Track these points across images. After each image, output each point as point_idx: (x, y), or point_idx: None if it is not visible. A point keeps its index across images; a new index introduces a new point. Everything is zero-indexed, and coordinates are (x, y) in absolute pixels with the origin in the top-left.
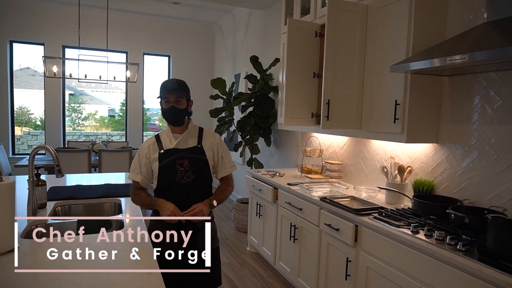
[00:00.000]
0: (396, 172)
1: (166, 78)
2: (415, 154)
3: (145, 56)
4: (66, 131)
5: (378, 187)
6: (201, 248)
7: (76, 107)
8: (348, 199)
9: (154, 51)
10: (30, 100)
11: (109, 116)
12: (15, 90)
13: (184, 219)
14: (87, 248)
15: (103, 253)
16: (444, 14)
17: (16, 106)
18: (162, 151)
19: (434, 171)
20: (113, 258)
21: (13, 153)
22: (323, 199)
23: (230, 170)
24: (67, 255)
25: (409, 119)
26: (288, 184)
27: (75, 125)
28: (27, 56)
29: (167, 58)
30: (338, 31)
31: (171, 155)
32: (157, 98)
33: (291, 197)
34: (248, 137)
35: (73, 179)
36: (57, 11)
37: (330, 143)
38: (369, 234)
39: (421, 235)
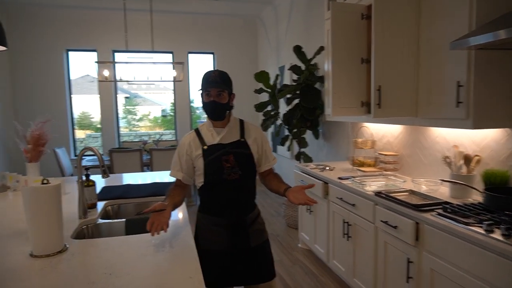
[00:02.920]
0: (462, 162)
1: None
2: (483, 142)
3: (189, 55)
4: (122, 132)
5: (441, 180)
6: (253, 243)
7: (131, 109)
8: (406, 193)
9: (198, 49)
10: (90, 105)
11: (161, 116)
12: (77, 96)
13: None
14: (131, 250)
15: (146, 255)
16: None
17: (79, 111)
18: (206, 147)
19: (509, 160)
20: (155, 260)
21: (75, 155)
22: (378, 193)
23: (273, 163)
24: (111, 257)
25: (475, 102)
26: (339, 178)
27: (130, 126)
28: (86, 64)
29: (211, 55)
30: (387, 9)
31: (216, 151)
32: (199, 90)
33: (343, 192)
34: (295, 130)
35: (125, 179)
36: (105, 18)
37: (383, 133)
38: (432, 233)
39: (497, 235)
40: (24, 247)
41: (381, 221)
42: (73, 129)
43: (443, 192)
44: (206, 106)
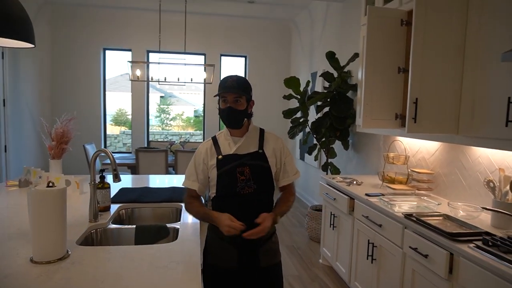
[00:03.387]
0: (508, 188)
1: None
2: None
3: (222, 57)
4: (152, 131)
5: (482, 207)
6: (263, 263)
7: (165, 108)
8: (440, 217)
9: (230, 52)
10: (127, 102)
11: (194, 117)
12: (115, 93)
13: (251, 235)
14: (134, 262)
15: (148, 269)
16: None
17: (116, 108)
18: (221, 156)
19: None
20: (156, 276)
21: None
22: (408, 216)
23: (293, 178)
24: (111, 269)
25: None
26: (367, 194)
27: (163, 125)
28: (126, 63)
29: (243, 58)
30: (430, 15)
31: (231, 162)
32: (214, 96)
33: (370, 210)
34: (323, 139)
35: (145, 180)
36: (141, 18)
37: (418, 148)
38: (469, 268)
39: None
40: (28, 250)
41: (410, 247)
42: (104, 125)
43: (484, 219)
44: (222, 113)
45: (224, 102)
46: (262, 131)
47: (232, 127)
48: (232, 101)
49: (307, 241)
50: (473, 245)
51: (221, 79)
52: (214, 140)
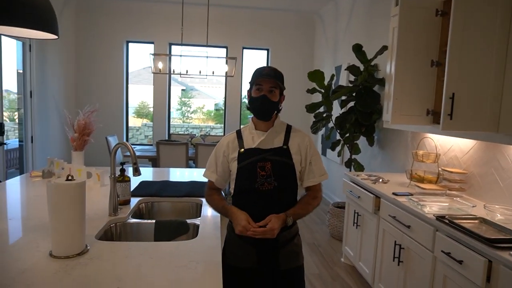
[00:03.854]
0: None
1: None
2: None
3: (244, 50)
4: (173, 123)
5: None
6: (283, 266)
7: (186, 101)
8: (476, 221)
9: (253, 45)
10: (149, 95)
11: (215, 110)
12: (138, 86)
13: (254, 234)
14: (152, 260)
15: (166, 268)
16: None
17: (139, 100)
18: (242, 150)
19: None
20: (176, 275)
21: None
22: (440, 218)
23: (320, 180)
24: (129, 266)
25: None
26: (394, 193)
27: (184, 118)
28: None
29: (265, 51)
30: (470, 4)
31: (252, 156)
32: (250, 83)
33: (397, 210)
34: (347, 135)
35: (166, 174)
36: (164, 11)
37: (450, 146)
38: (510, 277)
39: None
40: (48, 243)
41: (443, 251)
42: (127, 118)
43: None
44: (254, 102)
45: (258, 91)
46: (289, 127)
47: (261, 118)
48: (267, 90)
49: (328, 238)
50: None
51: (256, 68)
52: (238, 133)
